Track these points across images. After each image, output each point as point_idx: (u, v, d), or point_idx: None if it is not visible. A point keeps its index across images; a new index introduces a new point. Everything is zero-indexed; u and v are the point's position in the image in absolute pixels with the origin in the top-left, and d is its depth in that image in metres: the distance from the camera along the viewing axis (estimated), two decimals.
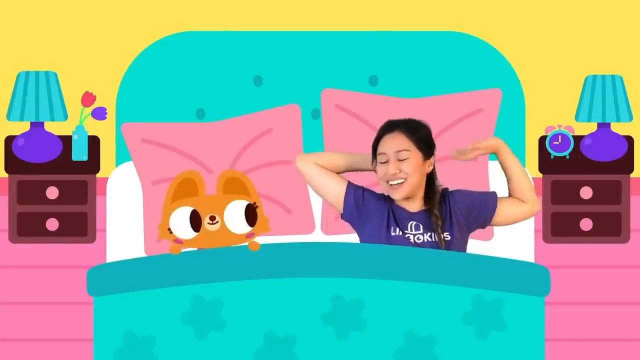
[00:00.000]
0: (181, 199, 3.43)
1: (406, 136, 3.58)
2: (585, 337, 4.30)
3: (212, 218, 3.41)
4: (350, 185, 3.66)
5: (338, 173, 3.72)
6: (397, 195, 3.55)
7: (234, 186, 3.47)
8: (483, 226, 3.66)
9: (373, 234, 3.58)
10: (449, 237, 3.56)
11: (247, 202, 3.44)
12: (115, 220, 4.05)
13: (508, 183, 3.70)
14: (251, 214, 3.44)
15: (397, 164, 3.54)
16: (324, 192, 3.70)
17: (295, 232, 3.98)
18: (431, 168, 3.61)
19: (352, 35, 4.24)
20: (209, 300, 3.24)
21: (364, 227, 3.62)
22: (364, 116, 4.03)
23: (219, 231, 3.41)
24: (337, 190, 3.67)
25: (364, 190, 3.66)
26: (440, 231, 3.54)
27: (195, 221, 3.41)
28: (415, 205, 3.61)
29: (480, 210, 3.62)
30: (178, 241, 3.42)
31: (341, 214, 3.68)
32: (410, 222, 3.58)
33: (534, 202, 3.67)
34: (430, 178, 3.63)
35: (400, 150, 3.55)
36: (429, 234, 3.56)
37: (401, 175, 3.53)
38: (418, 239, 3.55)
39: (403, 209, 3.60)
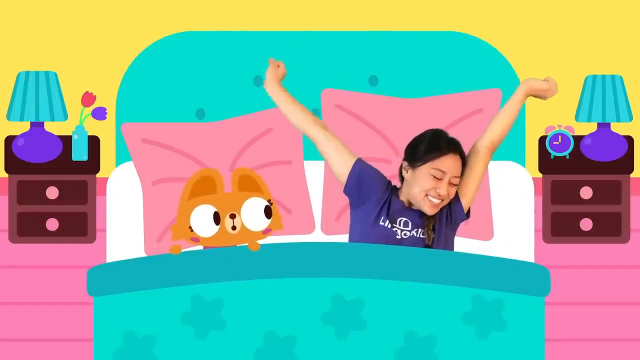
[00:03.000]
0: (198, 197, 3.44)
1: (461, 163, 3.60)
2: (585, 337, 4.30)
3: (233, 216, 3.42)
4: (357, 162, 3.63)
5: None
6: (430, 212, 3.56)
7: (247, 184, 3.48)
8: (464, 219, 3.66)
9: (362, 217, 3.59)
10: (433, 235, 3.58)
11: (265, 200, 3.45)
12: (115, 220, 4.05)
13: (497, 116, 3.69)
14: (267, 212, 3.45)
15: (449, 187, 3.55)
16: (332, 166, 3.67)
17: (295, 232, 3.98)
18: None
19: (352, 35, 4.24)
20: (209, 300, 3.24)
21: (359, 208, 3.62)
22: (364, 116, 4.03)
23: (237, 231, 3.43)
24: (343, 167, 3.63)
25: (369, 168, 3.63)
26: (431, 232, 3.56)
27: (215, 219, 3.42)
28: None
29: (451, 212, 3.63)
30: (195, 239, 3.42)
31: (343, 189, 3.67)
32: (400, 218, 3.58)
33: (483, 147, 3.67)
34: None
35: (457, 176, 3.57)
36: (415, 229, 3.57)
37: (444, 200, 3.55)
38: (405, 234, 3.56)
39: (401, 202, 3.61)
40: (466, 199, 3.64)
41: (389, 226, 3.57)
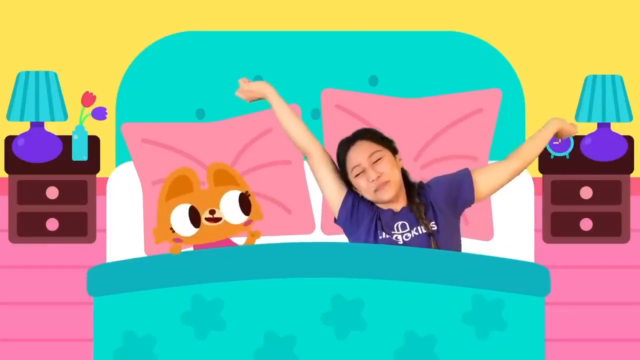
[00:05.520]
0: (176, 197, 3.44)
1: (369, 140, 3.58)
2: (585, 337, 4.30)
3: (212, 212, 3.42)
4: (349, 193, 3.61)
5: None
6: (387, 195, 3.53)
7: (223, 178, 3.48)
8: (469, 204, 3.61)
9: (362, 240, 3.57)
10: (435, 227, 3.54)
11: (240, 192, 3.45)
12: (115, 220, 4.05)
13: (526, 141, 3.69)
14: (245, 203, 3.45)
15: (375, 167, 3.53)
16: (325, 193, 3.65)
17: (295, 232, 3.98)
18: (401, 163, 3.61)
19: (352, 35, 4.24)
20: (209, 300, 3.24)
21: (353, 235, 3.61)
22: (364, 116, 4.03)
23: (218, 224, 3.43)
24: (336, 196, 3.61)
25: (360, 199, 3.61)
26: (425, 220, 3.53)
27: (194, 217, 3.42)
28: (399, 204, 3.59)
29: (458, 190, 3.59)
30: (177, 240, 3.42)
31: (335, 218, 3.66)
32: (397, 223, 3.56)
33: (517, 161, 3.62)
34: (403, 173, 3.62)
35: (373, 153, 3.54)
36: (415, 228, 3.55)
37: (383, 178, 3.52)
38: (406, 237, 3.54)
39: (388, 211, 3.58)
40: (479, 185, 3.58)
41: (388, 237, 3.55)
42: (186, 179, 3.46)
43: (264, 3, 4.34)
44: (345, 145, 3.60)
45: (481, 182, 3.60)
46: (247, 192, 3.48)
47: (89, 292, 3.35)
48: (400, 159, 3.60)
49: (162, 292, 3.27)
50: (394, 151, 3.60)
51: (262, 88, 3.66)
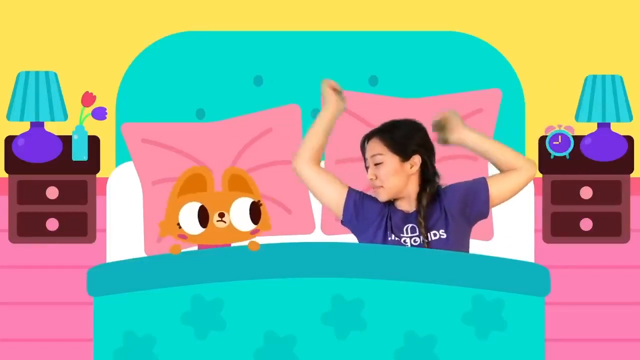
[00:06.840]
0: (188, 194, 3.44)
1: (381, 141, 3.59)
2: (585, 337, 4.30)
3: (221, 215, 3.42)
4: (350, 192, 3.62)
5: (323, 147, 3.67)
6: (380, 199, 3.59)
7: (237, 183, 3.48)
8: (484, 215, 3.60)
9: (370, 241, 3.57)
10: (444, 235, 3.53)
11: (252, 200, 3.45)
12: (115, 220, 4.05)
13: (490, 160, 3.61)
14: (256, 212, 3.45)
15: (374, 169, 3.57)
16: (325, 199, 3.65)
17: (295, 232, 3.98)
18: (415, 168, 3.57)
19: (352, 35, 4.24)
20: (209, 300, 3.24)
21: (363, 234, 3.61)
22: (364, 116, 4.03)
23: (225, 228, 3.43)
24: (337, 197, 3.62)
25: (363, 196, 3.62)
26: (424, 234, 3.52)
27: (203, 217, 3.42)
28: (411, 205, 3.59)
29: (473, 199, 3.57)
30: (182, 236, 3.42)
31: (341, 220, 3.66)
32: (406, 226, 3.56)
33: (526, 166, 3.57)
34: (424, 177, 3.59)
35: (374, 155, 3.58)
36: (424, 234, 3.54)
37: (377, 182, 3.57)
38: (415, 241, 3.54)
39: (400, 211, 3.58)
40: (493, 196, 3.55)
41: (397, 239, 3.54)
42: (201, 177, 3.46)
43: (264, 3, 4.34)
44: (366, 136, 3.64)
45: (495, 192, 3.58)
46: (259, 201, 3.48)
47: (89, 292, 3.35)
48: (412, 165, 3.56)
49: (162, 292, 3.27)
50: (407, 156, 3.57)
51: (329, 101, 3.65)
